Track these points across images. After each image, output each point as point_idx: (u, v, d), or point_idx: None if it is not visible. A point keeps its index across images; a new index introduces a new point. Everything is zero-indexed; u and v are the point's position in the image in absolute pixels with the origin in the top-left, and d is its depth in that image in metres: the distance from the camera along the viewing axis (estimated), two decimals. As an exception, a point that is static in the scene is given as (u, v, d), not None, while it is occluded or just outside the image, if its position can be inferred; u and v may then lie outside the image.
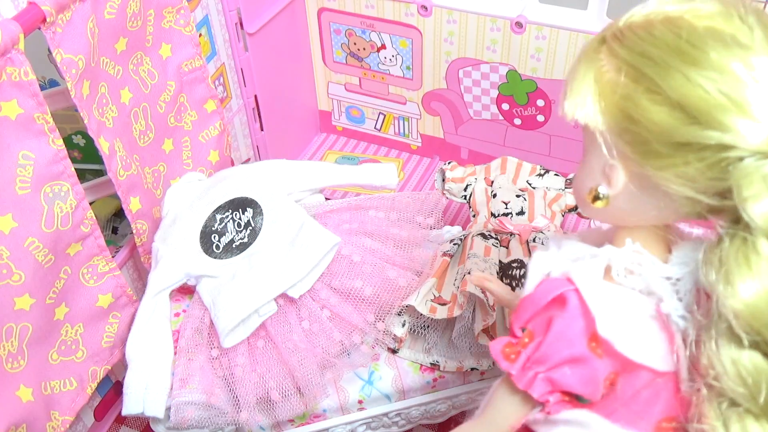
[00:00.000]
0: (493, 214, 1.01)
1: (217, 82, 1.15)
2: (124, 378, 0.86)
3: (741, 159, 0.41)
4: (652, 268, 0.49)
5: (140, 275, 1.02)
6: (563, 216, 1.03)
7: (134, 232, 0.94)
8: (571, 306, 0.48)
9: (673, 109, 0.42)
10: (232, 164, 1.15)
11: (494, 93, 1.28)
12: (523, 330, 0.50)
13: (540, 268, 0.52)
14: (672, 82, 0.42)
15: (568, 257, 0.52)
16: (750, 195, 0.41)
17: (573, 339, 0.47)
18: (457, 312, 0.84)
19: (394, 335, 0.88)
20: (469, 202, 1.07)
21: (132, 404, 0.84)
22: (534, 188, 1.05)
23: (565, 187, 1.05)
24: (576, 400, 0.49)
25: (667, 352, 0.48)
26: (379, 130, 1.49)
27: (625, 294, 0.49)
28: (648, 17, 0.46)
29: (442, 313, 0.85)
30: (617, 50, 0.45)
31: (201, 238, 0.92)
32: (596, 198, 0.48)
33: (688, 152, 0.42)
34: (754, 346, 0.42)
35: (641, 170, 0.45)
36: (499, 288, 0.72)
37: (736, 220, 0.43)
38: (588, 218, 1.05)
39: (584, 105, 0.46)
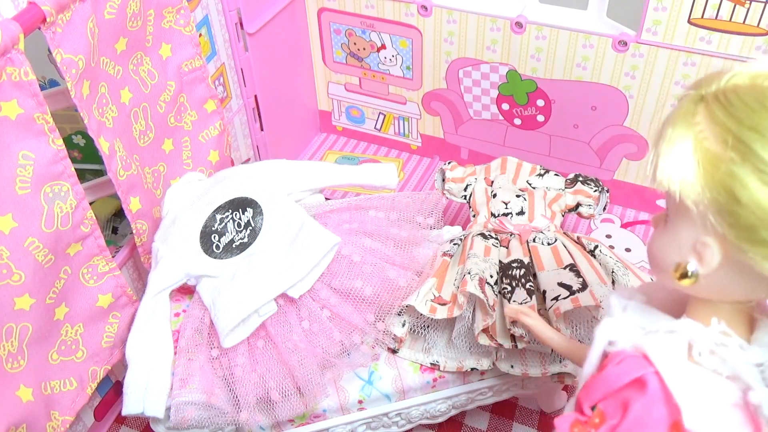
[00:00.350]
0: (493, 214, 1.01)
1: (217, 82, 1.15)
2: (124, 378, 0.86)
3: None
4: (739, 353, 0.45)
5: (140, 275, 1.02)
6: (563, 216, 1.03)
7: (134, 232, 0.94)
8: (651, 390, 0.44)
9: None
10: (232, 164, 1.15)
11: (494, 93, 1.28)
12: (592, 408, 0.46)
13: (606, 335, 0.48)
14: None
15: (638, 325, 0.48)
16: None
17: (653, 426, 0.44)
18: (457, 312, 0.84)
19: (394, 335, 0.88)
20: (469, 202, 1.07)
21: (132, 404, 0.84)
22: (534, 188, 1.05)
23: (565, 187, 1.05)
24: None
25: None
26: (379, 130, 1.49)
27: (709, 379, 0.45)
28: (755, 81, 0.41)
29: (442, 313, 0.85)
30: (720, 117, 0.41)
31: (201, 238, 0.92)
32: (684, 276, 0.44)
33: None
34: None
35: (742, 256, 0.41)
36: (537, 323, 0.69)
37: None
38: (589, 218, 1.05)
39: (680, 175, 0.41)
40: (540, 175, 1.07)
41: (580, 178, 1.05)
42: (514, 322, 0.83)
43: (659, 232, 0.47)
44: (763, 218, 0.39)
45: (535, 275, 0.89)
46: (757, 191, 0.39)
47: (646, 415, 0.44)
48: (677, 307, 0.49)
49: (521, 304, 0.83)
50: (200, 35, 1.07)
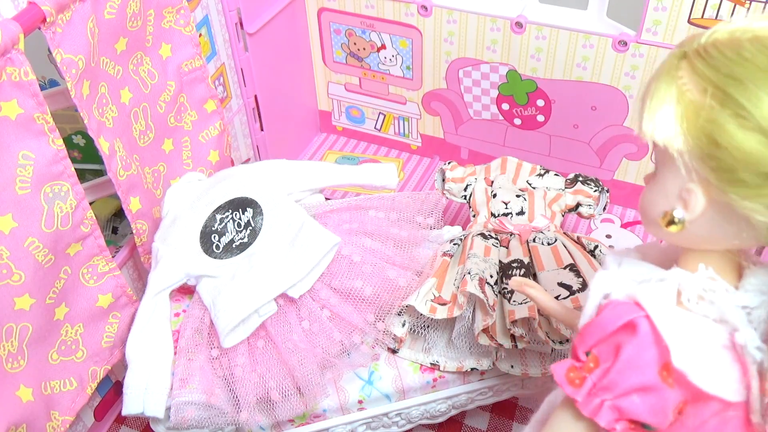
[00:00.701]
0: (493, 214, 1.01)
1: (217, 82, 1.15)
2: (124, 378, 0.86)
3: None
4: (726, 296, 0.47)
5: (140, 275, 1.02)
6: (563, 216, 1.03)
7: (134, 232, 0.94)
8: (642, 333, 0.46)
9: (765, 136, 0.40)
10: (232, 164, 1.15)
11: (494, 93, 1.28)
12: (587, 354, 0.48)
13: (601, 288, 0.50)
14: (764, 107, 0.40)
15: (632, 278, 0.50)
16: None
17: (644, 367, 0.46)
18: (457, 312, 0.84)
19: (394, 335, 0.88)
20: (469, 202, 1.07)
21: (132, 404, 0.84)
22: (534, 188, 1.05)
23: (565, 187, 1.05)
24: (642, 428, 0.47)
25: (740, 383, 0.47)
26: (379, 130, 1.49)
27: (698, 322, 0.47)
28: (734, 35, 0.43)
29: (442, 313, 0.85)
30: (701, 69, 0.43)
31: (201, 238, 0.92)
32: (671, 222, 0.46)
33: None
34: None
35: (724, 198, 0.43)
36: (541, 294, 0.69)
37: None
38: (589, 218, 1.05)
39: (664, 125, 0.44)
40: (540, 175, 1.07)
41: (580, 178, 1.05)
42: (514, 322, 0.83)
43: (649, 186, 0.50)
44: (741, 159, 0.41)
45: (535, 275, 0.89)
46: (735, 134, 0.41)
47: (637, 357, 0.46)
48: (670, 263, 0.51)
49: (521, 304, 0.83)
50: (200, 35, 1.07)
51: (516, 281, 0.70)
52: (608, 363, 0.46)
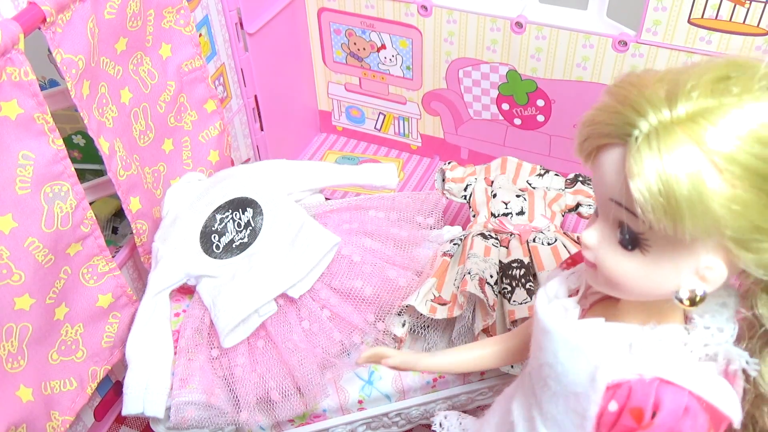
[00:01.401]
0: (493, 214, 1.01)
1: (217, 82, 1.15)
2: (124, 378, 0.86)
3: None
4: (723, 338, 0.48)
5: (140, 275, 1.02)
6: (563, 216, 1.03)
7: (134, 232, 0.94)
8: (693, 411, 0.46)
9: None
10: (232, 164, 1.15)
11: (494, 93, 1.28)
12: None
13: (605, 378, 0.48)
14: None
15: (643, 353, 0.48)
16: None
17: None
18: (457, 312, 0.84)
19: (394, 335, 0.88)
20: (469, 202, 1.07)
21: (132, 404, 0.84)
22: (534, 188, 1.05)
23: (565, 187, 1.05)
24: None
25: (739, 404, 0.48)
26: (379, 130, 1.49)
27: (707, 369, 0.48)
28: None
29: (442, 313, 0.85)
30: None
31: (201, 238, 0.92)
32: (696, 301, 0.44)
33: None
34: None
35: (738, 262, 0.43)
36: (404, 358, 0.68)
37: None
38: (589, 218, 1.05)
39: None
40: (540, 175, 1.07)
41: (580, 178, 1.05)
42: (514, 322, 0.83)
43: (642, 267, 0.45)
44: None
45: (535, 275, 0.89)
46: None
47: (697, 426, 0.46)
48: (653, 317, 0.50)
49: (521, 304, 0.83)
50: (200, 35, 1.07)
51: (365, 358, 0.70)
52: None
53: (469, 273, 0.85)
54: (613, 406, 0.47)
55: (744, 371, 0.47)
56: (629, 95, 0.43)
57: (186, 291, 0.95)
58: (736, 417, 0.46)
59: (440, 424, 0.80)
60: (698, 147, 0.40)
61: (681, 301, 0.45)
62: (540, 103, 1.25)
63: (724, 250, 0.43)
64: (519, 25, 1.16)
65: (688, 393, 0.45)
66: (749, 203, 0.40)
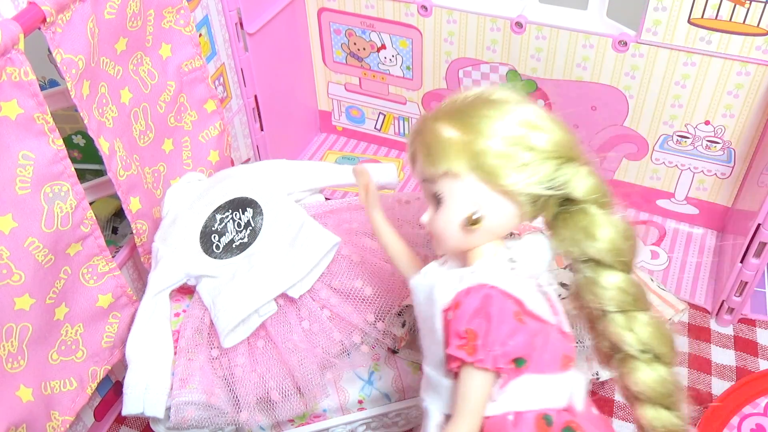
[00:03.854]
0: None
1: (217, 82, 1.15)
2: (124, 378, 0.86)
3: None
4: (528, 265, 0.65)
5: (140, 275, 1.02)
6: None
7: (134, 232, 0.94)
8: (496, 297, 0.59)
9: None
10: (232, 164, 1.15)
11: (494, 93, 1.28)
12: (466, 332, 0.59)
13: (443, 295, 0.61)
14: None
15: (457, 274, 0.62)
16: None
17: (507, 319, 0.58)
18: (457, 312, 0.84)
19: (394, 335, 0.88)
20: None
21: (132, 404, 0.84)
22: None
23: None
24: (515, 364, 0.59)
25: (550, 311, 0.63)
26: (379, 130, 1.49)
27: (524, 280, 0.62)
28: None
29: (442, 313, 0.85)
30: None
31: (201, 238, 0.92)
32: (475, 222, 0.61)
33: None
34: (616, 267, 0.61)
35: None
36: (377, 219, 0.78)
37: (564, 203, 0.63)
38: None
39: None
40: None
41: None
42: None
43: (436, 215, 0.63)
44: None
45: (535, 275, 0.89)
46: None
47: (501, 314, 0.58)
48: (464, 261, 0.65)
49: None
50: (200, 35, 1.07)
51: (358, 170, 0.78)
52: (484, 328, 0.57)
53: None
54: (449, 315, 0.59)
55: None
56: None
57: (186, 291, 0.95)
58: (542, 315, 0.61)
59: None
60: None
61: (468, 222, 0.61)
62: (540, 103, 1.25)
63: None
64: (519, 25, 1.16)
65: (489, 285, 0.59)
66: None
